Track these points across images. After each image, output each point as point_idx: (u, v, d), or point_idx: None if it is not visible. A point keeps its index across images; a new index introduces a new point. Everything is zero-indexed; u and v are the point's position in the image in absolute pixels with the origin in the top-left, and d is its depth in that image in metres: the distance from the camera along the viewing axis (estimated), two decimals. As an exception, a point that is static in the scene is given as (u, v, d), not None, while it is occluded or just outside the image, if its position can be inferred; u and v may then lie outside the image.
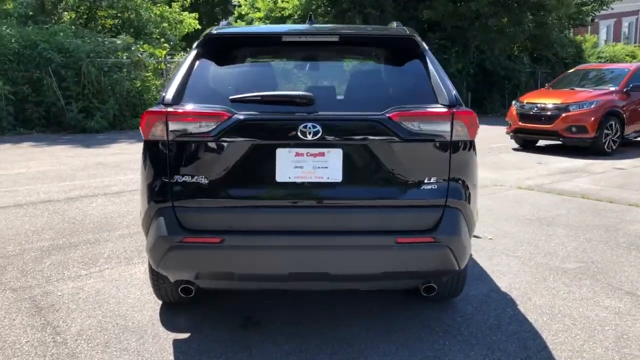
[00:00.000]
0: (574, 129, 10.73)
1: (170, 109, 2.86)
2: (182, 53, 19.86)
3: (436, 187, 2.92)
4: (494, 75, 25.19)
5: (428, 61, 3.12)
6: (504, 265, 4.55)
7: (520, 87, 25.01)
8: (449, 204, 2.93)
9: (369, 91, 3.15)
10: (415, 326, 3.45)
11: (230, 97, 2.89)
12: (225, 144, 2.83)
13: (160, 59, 17.14)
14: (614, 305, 3.75)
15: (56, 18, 19.32)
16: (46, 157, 10.56)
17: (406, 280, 3.15)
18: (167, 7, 22.97)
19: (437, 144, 2.90)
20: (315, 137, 2.79)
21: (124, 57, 16.06)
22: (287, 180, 2.85)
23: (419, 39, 3.22)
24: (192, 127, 2.83)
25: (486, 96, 24.67)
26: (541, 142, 12.10)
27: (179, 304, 3.69)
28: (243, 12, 25.81)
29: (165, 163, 2.89)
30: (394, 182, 2.88)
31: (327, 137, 2.81)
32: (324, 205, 2.88)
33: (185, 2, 23.63)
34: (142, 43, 17.55)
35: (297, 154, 2.84)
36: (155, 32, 20.21)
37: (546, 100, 11.35)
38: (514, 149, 11.86)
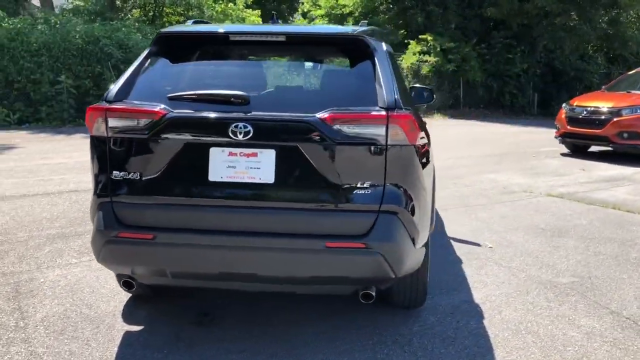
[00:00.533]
0: (625, 135, 10.09)
1: (110, 106, 2.92)
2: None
3: (370, 192, 2.82)
4: (563, 76, 24.12)
5: (376, 62, 3.01)
6: (492, 275, 4.35)
7: (592, 88, 23.78)
8: (383, 210, 2.83)
9: (309, 92, 3.10)
10: (368, 333, 3.36)
11: (168, 95, 2.92)
12: (159, 141, 2.86)
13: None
14: (588, 325, 3.51)
15: (122, 15, 20.13)
16: (93, 148, 11.02)
17: (338, 285, 3.06)
18: (232, 4, 23.43)
19: (372, 148, 2.80)
20: (246, 137, 2.77)
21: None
22: (220, 179, 2.84)
23: (369, 39, 3.10)
24: (129, 124, 2.88)
25: (554, 97, 23.63)
26: (594, 148, 11.46)
27: (143, 296, 3.77)
28: (305, 10, 25.98)
29: (106, 158, 2.95)
30: (326, 185, 2.81)
31: (258, 137, 2.78)
32: (255, 206, 2.86)
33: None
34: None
35: (231, 154, 2.83)
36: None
37: (597, 103, 10.74)
38: (563, 154, 11.29)
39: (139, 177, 2.90)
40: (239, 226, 2.86)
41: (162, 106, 2.86)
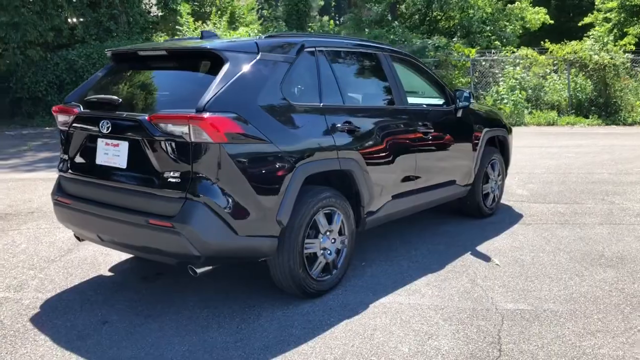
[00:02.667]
0: None
1: (58, 106, 4.08)
2: (512, 48, 19.73)
3: (180, 180, 3.37)
4: None
5: (221, 71, 3.48)
6: (437, 288, 4.17)
7: None
8: (189, 197, 3.34)
9: (164, 95, 3.72)
10: (233, 311, 3.80)
11: (85, 98, 3.93)
12: (74, 132, 3.91)
13: (469, 57, 17.48)
14: (436, 346, 3.29)
15: (397, 23, 21.52)
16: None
17: (161, 256, 3.62)
18: (512, 4, 22.76)
19: (181, 144, 3.34)
20: (108, 131, 3.61)
21: (434, 57, 17.14)
22: (101, 163, 3.75)
23: (224, 52, 3.55)
24: (64, 119, 4.00)
25: None
26: None
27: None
28: (597, 3, 23.48)
29: (61, 144, 4.13)
30: (152, 172, 3.47)
31: (116, 132, 3.60)
32: (115, 186, 3.68)
33: (530, -3, 23.02)
34: (461, 42, 18.25)
35: (107, 144, 3.71)
36: (485, 30, 20.53)
37: None
38: None
39: (67, 158, 4.00)
40: (107, 200, 3.72)
41: (79, 106, 3.90)
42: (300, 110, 3.84)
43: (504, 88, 16.65)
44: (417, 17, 22.82)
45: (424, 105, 5.35)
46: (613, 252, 4.98)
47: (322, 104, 4.01)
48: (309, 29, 19.50)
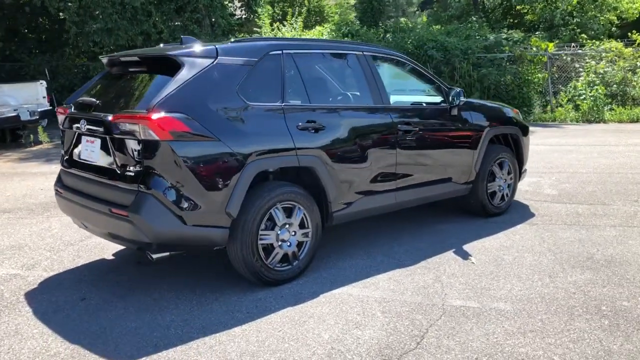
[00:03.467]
0: None
1: (58, 107, 4.61)
2: (602, 41, 18.67)
3: (134, 174, 3.76)
4: None
5: (177, 74, 3.81)
6: (397, 282, 4.27)
7: None
8: (141, 190, 3.71)
9: (131, 97, 4.09)
10: (181, 296, 4.16)
11: (77, 100, 4.42)
12: (66, 131, 4.42)
13: (546, 52, 16.74)
14: (357, 336, 3.43)
15: (477, 16, 21.01)
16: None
17: (123, 242, 4.00)
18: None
19: (134, 141, 3.72)
20: (85, 130, 4.07)
21: (507, 52, 16.62)
22: (83, 157, 4.23)
23: (181, 57, 3.89)
24: (61, 119, 4.52)
25: None
26: None
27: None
28: None
29: (61, 141, 4.67)
30: (115, 167, 3.88)
31: (91, 130, 4.05)
32: (90, 178, 4.13)
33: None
34: (542, 35, 17.55)
35: (87, 141, 4.18)
36: (571, 22, 19.55)
37: None
38: None
39: (64, 153, 4.53)
40: (86, 190, 4.19)
41: (71, 107, 4.40)
42: (256, 110, 4.08)
43: (582, 84, 15.83)
44: (499, 10, 22.13)
45: (414, 104, 5.40)
46: (605, 255, 4.80)
47: (283, 104, 4.23)
48: (381, 27, 19.51)
